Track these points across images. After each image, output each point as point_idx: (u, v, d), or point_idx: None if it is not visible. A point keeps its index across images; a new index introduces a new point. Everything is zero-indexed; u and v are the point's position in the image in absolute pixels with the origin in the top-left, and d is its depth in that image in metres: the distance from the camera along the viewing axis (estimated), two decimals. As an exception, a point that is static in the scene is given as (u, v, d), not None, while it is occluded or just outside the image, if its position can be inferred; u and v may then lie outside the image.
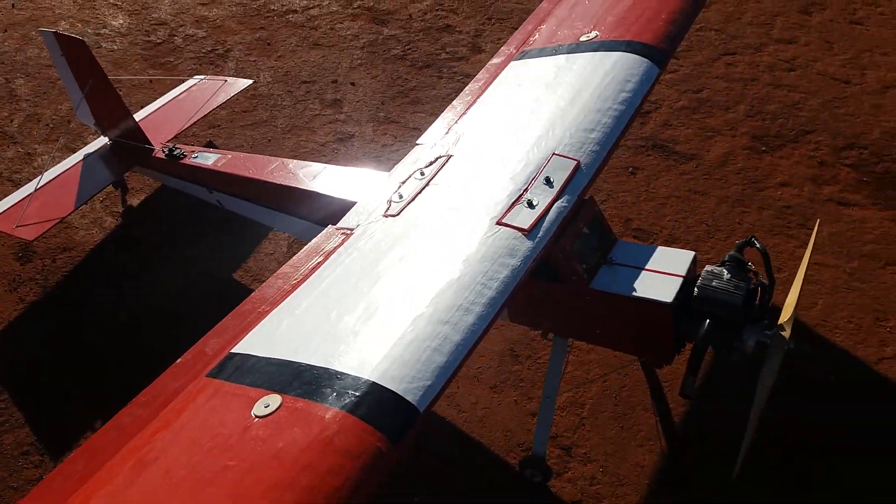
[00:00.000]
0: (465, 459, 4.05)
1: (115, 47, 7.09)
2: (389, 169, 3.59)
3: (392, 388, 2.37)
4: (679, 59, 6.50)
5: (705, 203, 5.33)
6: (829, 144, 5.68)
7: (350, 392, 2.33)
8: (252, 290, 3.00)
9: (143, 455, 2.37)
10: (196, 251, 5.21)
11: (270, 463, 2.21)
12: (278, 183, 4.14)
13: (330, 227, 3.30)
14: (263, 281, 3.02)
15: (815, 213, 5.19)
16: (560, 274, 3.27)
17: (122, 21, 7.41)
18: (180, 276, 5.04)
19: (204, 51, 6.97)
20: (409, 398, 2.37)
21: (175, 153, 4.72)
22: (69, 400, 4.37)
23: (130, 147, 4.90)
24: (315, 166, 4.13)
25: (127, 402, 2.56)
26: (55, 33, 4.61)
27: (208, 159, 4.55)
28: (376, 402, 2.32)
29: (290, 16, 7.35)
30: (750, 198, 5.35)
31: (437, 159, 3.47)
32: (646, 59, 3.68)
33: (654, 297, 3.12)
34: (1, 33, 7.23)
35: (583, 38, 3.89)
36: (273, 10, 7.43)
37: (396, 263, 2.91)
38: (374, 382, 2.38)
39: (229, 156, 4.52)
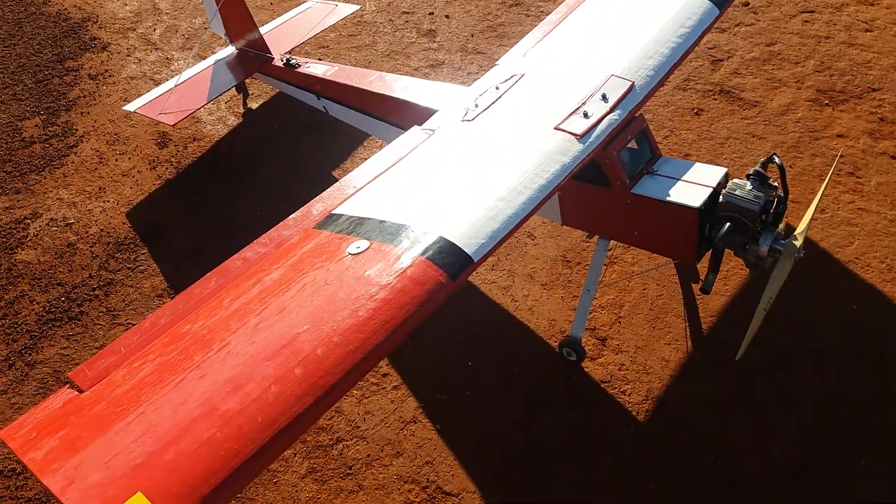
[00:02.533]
0: (515, 340, 4.76)
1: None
2: (472, 90, 4.23)
3: (454, 242, 3.06)
4: (757, 13, 6.81)
5: (761, 146, 5.76)
6: (894, 102, 5.96)
7: (423, 242, 3.03)
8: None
9: (262, 277, 3.14)
10: (301, 151, 6.05)
11: (358, 283, 2.93)
12: (376, 91, 4.85)
13: (415, 127, 3.97)
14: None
15: (867, 164, 5.55)
16: (606, 178, 3.87)
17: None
18: (287, 168, 5.92)
19: (317, -21, 7.73)
20: (466, 250, 3.04)
21: (291, 62, 5.51)
22: (192, 254, 5.34)
23: (253, 55, 5.72)
24: (407, 79, 4.83)
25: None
26: None
27: (318, 69, 5.32)
28: (442, 249, 3.02)
29: (397, -49, 8.00)
30: (805, 145, 5.74)
31: (511, 77, 4.08)
32: (708, 1, 4.17)
33: (684, 203, 3.69)
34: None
35: None
36: (381, -55, 8.09)
37: (468, 154, 3.59)
38: (441, 236, 3.07)
39: (336, 68, 5.26)
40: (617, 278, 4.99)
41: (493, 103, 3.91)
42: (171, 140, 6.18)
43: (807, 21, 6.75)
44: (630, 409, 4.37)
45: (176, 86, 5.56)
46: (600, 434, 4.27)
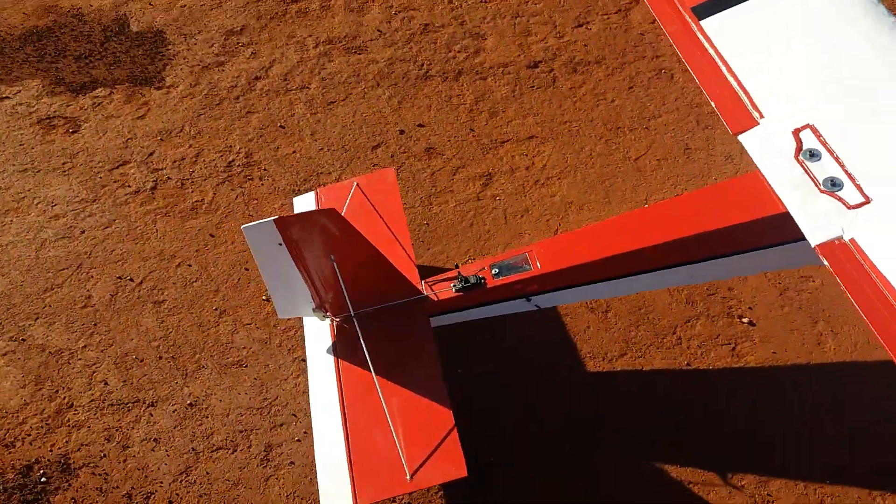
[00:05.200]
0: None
1: (181, 26, 7.83)
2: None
3: None
4: None
5: None
6: None
7: None
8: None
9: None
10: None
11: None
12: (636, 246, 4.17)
13: None
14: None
15: None
16: None
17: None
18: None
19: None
20: None
21: (473, 281, 4.30)
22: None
23: (402, 308, 4.38)
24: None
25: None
26: (276, 220, 3.74)
27: (517, 268, 4.33)
28: None
29: None
30: None
31: None
32: None
33: None
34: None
35: None
36: None
37: None
38: None
39: (533, 249, 4.38)
40: None
41: None
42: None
43: None
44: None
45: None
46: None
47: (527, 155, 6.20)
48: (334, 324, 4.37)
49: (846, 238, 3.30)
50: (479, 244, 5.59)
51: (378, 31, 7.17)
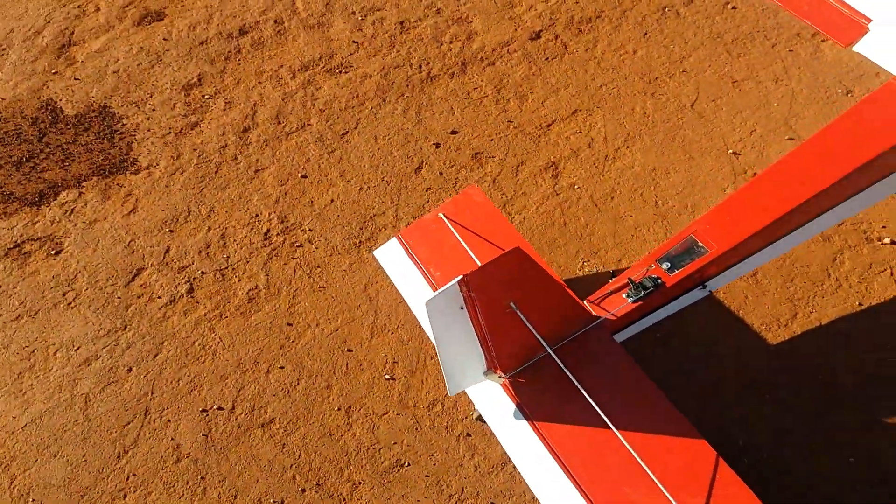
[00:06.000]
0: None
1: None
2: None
3: None
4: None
5: None
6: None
7: None
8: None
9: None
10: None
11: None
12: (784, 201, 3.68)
13: None
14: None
15: None
16: None
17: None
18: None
19: (206, 69, 6.56)
20: None
21: (650, 284, 3.75)
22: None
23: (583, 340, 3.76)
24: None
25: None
26: (462, 279, 3.17)
27: (691, 254, 3.77)
28: None
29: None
30: None
31: None
32: None
33: None
34: None
35: None
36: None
37: None
38: None
39: (695, 229, 3.83)
40: None
41: None
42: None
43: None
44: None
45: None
46: None
47: (581, 132, 5.57)
48: (507, 383, 3.64)
49: None
50: (584, 242, 4.94)
51: (353, 42, 6.28)
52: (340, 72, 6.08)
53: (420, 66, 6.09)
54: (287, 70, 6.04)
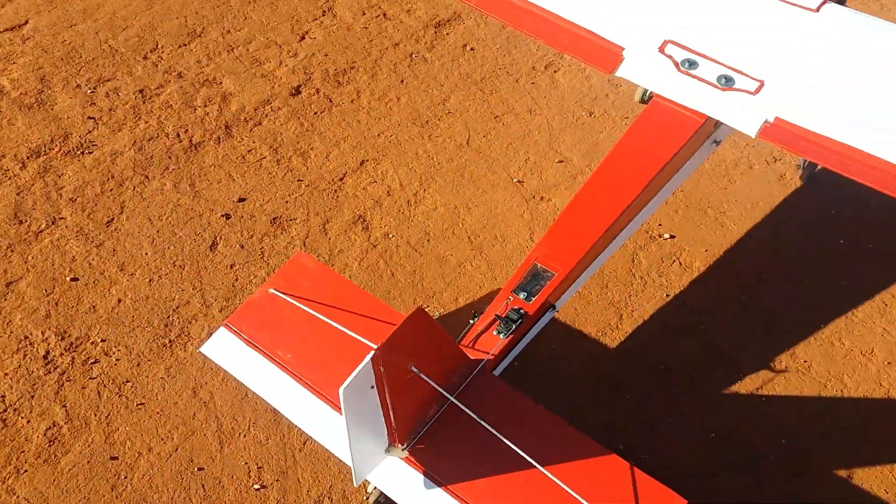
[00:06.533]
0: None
1: None
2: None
3: None
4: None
5: None
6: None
7: None
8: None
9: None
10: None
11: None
12: None
13: None
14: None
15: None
16: None
17: None
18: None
19: None
20: None
21: (516, 317, 3.72)
22: None
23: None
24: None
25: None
26: (374, 356, 2.85)
27: (539, 280, 3.82)
28: None
29: None
30: None
31: None
32: None
33: None
34: None
35: None
36: None
37: None
38: None
39: (533, 256, 3.86)
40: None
41: None
42: None
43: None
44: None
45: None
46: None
47: (375, 181, 5.42)
48: (409, 456, 3.37)
49: (771, 120, 3.68)
50: (418, 289, 4.76)
51: (89, 118, 5.39)
52: (83, 153, 5.17)
53: (178, 135, 5.44)
54: (13, 160, 4.97)
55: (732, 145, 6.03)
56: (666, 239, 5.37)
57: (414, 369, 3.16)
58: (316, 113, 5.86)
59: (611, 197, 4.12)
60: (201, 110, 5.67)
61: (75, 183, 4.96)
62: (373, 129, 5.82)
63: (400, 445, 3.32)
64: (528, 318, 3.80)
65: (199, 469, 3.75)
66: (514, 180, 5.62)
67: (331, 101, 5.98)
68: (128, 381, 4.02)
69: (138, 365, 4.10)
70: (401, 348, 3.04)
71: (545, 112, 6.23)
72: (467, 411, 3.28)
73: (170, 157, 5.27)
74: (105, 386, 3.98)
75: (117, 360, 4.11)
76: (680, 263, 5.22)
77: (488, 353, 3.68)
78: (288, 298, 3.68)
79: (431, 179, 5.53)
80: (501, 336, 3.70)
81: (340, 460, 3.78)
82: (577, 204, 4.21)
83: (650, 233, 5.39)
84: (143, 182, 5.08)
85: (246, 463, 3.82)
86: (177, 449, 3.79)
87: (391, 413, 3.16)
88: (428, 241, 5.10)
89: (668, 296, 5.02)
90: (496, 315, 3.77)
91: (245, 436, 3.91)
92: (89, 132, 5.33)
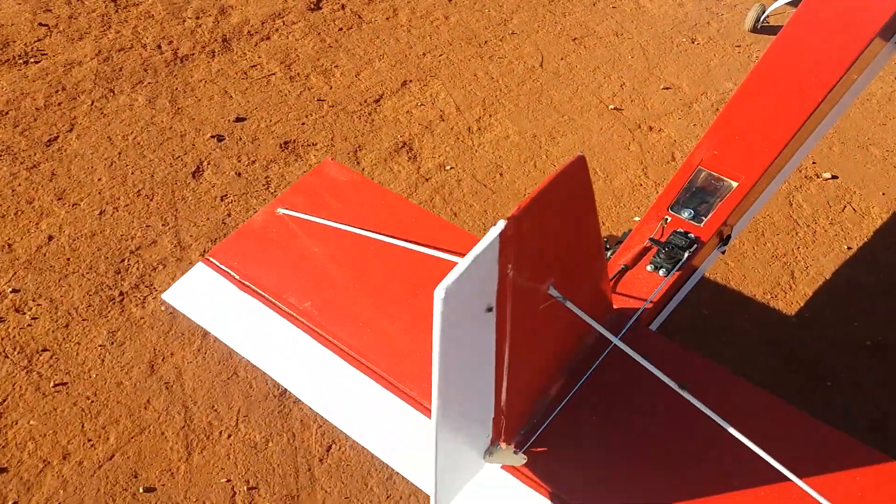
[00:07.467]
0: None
1: None
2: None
3: None
4: None
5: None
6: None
7: None
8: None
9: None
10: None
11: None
12: None
13: None
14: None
15: None
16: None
17: None
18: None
19: None
20: None
21: (684, 243, 2.29)
22: None
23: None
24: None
25: None
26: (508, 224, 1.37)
27: (712, 192, 2.34)
28: None
29: None
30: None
31: None
32: None
33: None
34: None
35: None
36: None
37: None
38: None
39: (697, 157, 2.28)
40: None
41: None
42: None
43: None
44: None
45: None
46: None
47: (424, 104, 3.97)
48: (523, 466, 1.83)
49: None
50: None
51: (40, 24, 4.02)
52: (25, 62, 3.78)
53: (160, 46, 4.04)
54: (-74, 62, 3.59)
55: (879, 79, 4.59)
56: (827, 179, 3.86)
57: (553, 292, 1.65)
58: (341, 29, 4.46)
59: (809, 78, 2.68)
60: (192, 21, 4.28)
61: (9, 94, 3.56)
62: (416, 48, 4.39)
63: (504, 444, 1.81)
64: (701, 245, 2.31)
65: (147, 490, 2.21)
66: (610, 107, 4.16)
67: (360, 17, 4.58)
68: (45, 350, 2.52)
69: (66, 326, 2.60)
70: (545, 232, 1.55)
71: (636, 37, 4.80)
72: (669, 382, 1.71)
73: (145, 70, 3.87)
74: (6, 356, 2.49)
75: (34, 318, 2.62)
76: (854, 209, 3.70)
77: (648, 300, 2.17)
78: (308, 218, 2.22)
79: (498, 104, 4.06)
80: (661, 273, 2.21)
81: (389, 474, 2.26)
82: (757, 86, 2.74)
83: (803, 171, 3.89)
84: (105, 96, 3.66)
85: (229, 479, 2.27)
86: (112, 456, 2.26)
87: (506, 372, 1.66)
88: (500, 174, 3.60)
89: (849, 248, 3.48)
90: (650, 239, 2.28)
91: (230, 436, 2.38)
92: (38, 40, 3.95)
